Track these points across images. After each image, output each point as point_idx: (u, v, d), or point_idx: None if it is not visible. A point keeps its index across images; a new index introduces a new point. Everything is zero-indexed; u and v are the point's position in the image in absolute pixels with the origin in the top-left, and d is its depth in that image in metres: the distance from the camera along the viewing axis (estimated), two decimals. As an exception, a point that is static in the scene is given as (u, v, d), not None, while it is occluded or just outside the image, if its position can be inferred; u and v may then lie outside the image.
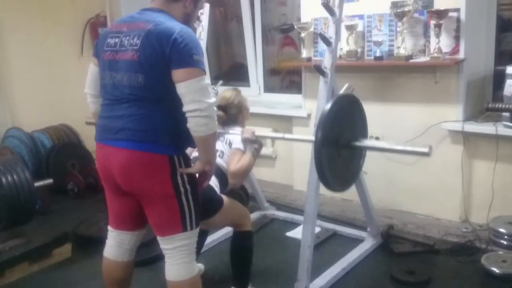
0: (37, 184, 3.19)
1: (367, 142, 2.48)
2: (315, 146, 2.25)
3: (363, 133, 2.56)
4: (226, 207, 2.36)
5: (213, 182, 2.33)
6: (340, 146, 2.38)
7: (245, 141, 2.43)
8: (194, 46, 1.81)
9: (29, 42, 4.57)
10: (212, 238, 3.13)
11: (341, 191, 2.68)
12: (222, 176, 2.40)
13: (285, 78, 4.60)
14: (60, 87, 4.71)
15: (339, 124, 2.35)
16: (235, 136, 2.49)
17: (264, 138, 2.50)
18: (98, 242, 2.44)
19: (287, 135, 2.65)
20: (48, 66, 4.69)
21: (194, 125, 1.80)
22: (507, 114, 2.87)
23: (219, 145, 2.45)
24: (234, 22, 4.74)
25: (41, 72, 4.65)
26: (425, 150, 2.18)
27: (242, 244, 2.48)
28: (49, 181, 3.47)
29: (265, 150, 4.21)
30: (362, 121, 2.57)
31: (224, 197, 2.39)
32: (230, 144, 2.47)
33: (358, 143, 2.43)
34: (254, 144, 2.42)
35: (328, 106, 2.29)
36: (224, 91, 2.71)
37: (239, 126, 2.60)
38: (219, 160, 2.38)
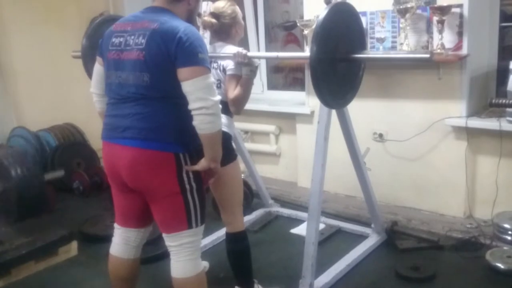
0: (47, 176, 3.16)
1: (366, 53, 2.33)
2: (311, 62, 2.10)
3: (361, 45, 2.41)
4: (236, 171, 2.38)
5: (227, 126, 2.31)
6: (337, 60, 2.23)
7: (239, 65, 2.31)
8: (198, 44, 1.83)
9: (33, 41, 4.58)
10: (216, 236, 3.15)
11: (340, 108, 2.56)
12: (225, 106, 2.29)
13: (288, 75, 4.61)
14: (65, 86, 4.73)
15: (335, 36, 2.19)
16: (227, 61, 2.37)
17: (257, 58, 2.35)
18: (104, 240, 2.46)
19: (281, 54, 2.50)
20: (52, 65, 4.70)
21: (200, 123, 1.82)
22: (511, 109, 2.87)
23: (214, 74, 2.34)
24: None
25: (45, 71, 4.66)
26: (427, 55, 2.09)
27: (237, 247, 2.44)
28: (60, 172, 3.41)
29: (269, 147, 4.24)
30: (359, 32, 2.41)
31: (238, 169, 2.40)
32: (224, 70, 2.37)
33: (356, 55, 2.29)
34: (248, 66, 2.29)
35: (322, 16, 2.11)
36: (218, 1, 2.56)
37: (232, 44, 2.47)
38: (219, 91, 2.25)
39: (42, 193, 3.02)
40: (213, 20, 2.43)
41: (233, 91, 2.30)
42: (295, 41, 4.46)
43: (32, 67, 4.58)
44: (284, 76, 4.62)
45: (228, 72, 2.35)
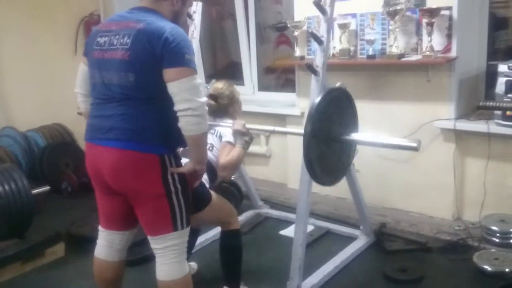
0: (34, 191, 3.16)
1: (357, 136, 2.45)
2: (304, 139, 2.22)
3: (354, 127, 2.53)
4: (214, 204, 2.36)
5: (203, 176, 2.30)
6: (330, 140, 2.35)
7: (236, 133, 2.40)
8: (185, 45, 1.81)
9: (23, 41, 4.55)
10: (205, 237, 3.14)
11: (330, 185, 2.64)
12: (212, 169, 2.38)
13: (280, 76, 4.61)
14: (54, 86, 4.70)
15: (329, 117, 2.32)
16: (225, 129, 2.46)
17: (255, 130, 2.50)
18: (91, 241, 2.43)
19: (277, 128, 2.62)
20: (42, 65, 4.67)
21: (186, 124, 1.80)
22: (499, 112, 2.87)
23: (210, 138, 2.42)
24: (229, 20, 4.73)
25: (35, 71, 4.64)
26: (414, 144, 2.15)
27: (230, 243, 2.47)
28: (46, 188, 3.44)
29: (259, 149, 4.23)
30: (352, 115, 2.54)
31: (213, 193, 2.38)
32: (220, 137, 2.46)
33: (348, 137, 2.41)
34: (244, 136, 2.39)
35: (318, 99, 2.26)
36: (217, 81, 2.71)
37: (230, 119, 2.58)
38: (209, 154, 2.35)
39: (29, 209, 3.02)
40: (212, 102, 2.54)
41: (225, 157, 2.36)
42: (287, 42, 4.46)
43: (21, 66, 4.56)
44: (277, 77, 4.62)
45: (223, 139, 2.43)
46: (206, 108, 1.85)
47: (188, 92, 1.77)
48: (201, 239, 3.10)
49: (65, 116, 4.60)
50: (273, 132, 2.61)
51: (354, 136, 2.45)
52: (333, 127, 2.37)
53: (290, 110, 3.89)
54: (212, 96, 2.56)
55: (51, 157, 4.25)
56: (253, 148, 4.24)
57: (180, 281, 1.97)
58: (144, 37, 1.80)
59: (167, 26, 1.82)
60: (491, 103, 2.31)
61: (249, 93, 4.44)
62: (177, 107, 1.79)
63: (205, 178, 2.35)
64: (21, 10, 4.52)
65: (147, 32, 1.80)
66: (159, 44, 1.77)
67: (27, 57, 4.57)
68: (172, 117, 1.81)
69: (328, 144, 2.36)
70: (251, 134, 2.43)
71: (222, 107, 2.59)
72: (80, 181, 4.11)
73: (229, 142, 2.43)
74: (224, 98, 2.59)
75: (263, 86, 4.52)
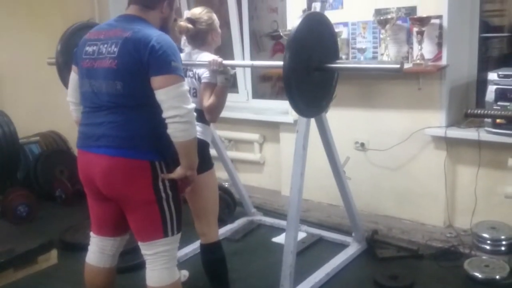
0: (22, 140, 3.13)
1: (339, 63, 2.35)
2: (284, 70, 2.11)
3: (335, 54, 2.43)
4: (212, 180, 2.39)
5: (203, 134, 2.34)
6: (310, 69, 2.26)
7: (214, 72, 2.31)
8: (171, 52, 1.83)
9: (18, 48, 4.56)
10: (198, 244, 3.11)
11: (314, 116, 2.57)
12: (200, 114, 2.29)
13: (276, 84, 4.63)
14: (48, 93, 4.69)
15: (308, 46, 2.21)
16: (203, 69, 2.36)
17: (232, 66, 2.39)
18: (85, 249, 2.44)
19: (255, 63, 2.51)
20: (36, 72, 4.66)
21: (174, 131, 1.82)
22: (489, 119, 2.90)
23: (189, 82, 2.36)
24: (225, 29, 4.75)
25: (29, 78, 4.63)
26: (397, 66, 2.10)
27: (211, 258, 2.45)
28: (36, 138, 3.38)
29: (252, 156, 4.24)
30: (332, 42, 2.43)
31: (215, 186, 2.40)
32: (199, 78, 2.37)
33: (329, 65, 2.32)
34: (223, 74, 2.29)
35: (296, 25, 2.13)
36: (195, 7, 2.58)
37: (208, 51, 2.47)
38: (194, 100, 2.28)
39: (16, 155, 2.99)
40: (189, 25, 2.43)
41: (208, 99, 2.30)
42: (282, 51, 4.47)
43: (16, 73, 4.55)
44: (272, 85, 4.64)
45: (203, 80, 2.35)
46: (194, 114, 1.87)
47: (176, 99, 1.80)
48: (194, 247, 3.11)
49: (60, 124, 4.60)
50: (252, 66, 2.49)
51: (336, 63, 2.37)
52: (313, 55, 2.25)
53: (283, 117, 3.91)
54: (189, 20, 2.44)
55: (46, 165, 4.25)
56: (246, 156, 4.28)
57: (170, 287, 1.98)
58: (131, 45, 1.82)
59: (153, 34, 1.84)
60: (478, 111, 2.33)
61: (243, 100, 4.46)
62: (165, 114, 1.81)
63: (204, 135, 2.35)
64: (17, 16, 4.53)
65: (134, 40, 1.82)
66: (146, 52, 1.79)
67: (21, 64, 4.57)
68: (161, 123, 1.83)
69: (309, 74, 2.26)
70: (229, 70, 2.32)
71: (201, 33, 2.45)
72: (74, 188, 4.11)
73: (209, 83, 2.33)
74: (202, 23, 2.44)
75: (260, 94, 4.54)
